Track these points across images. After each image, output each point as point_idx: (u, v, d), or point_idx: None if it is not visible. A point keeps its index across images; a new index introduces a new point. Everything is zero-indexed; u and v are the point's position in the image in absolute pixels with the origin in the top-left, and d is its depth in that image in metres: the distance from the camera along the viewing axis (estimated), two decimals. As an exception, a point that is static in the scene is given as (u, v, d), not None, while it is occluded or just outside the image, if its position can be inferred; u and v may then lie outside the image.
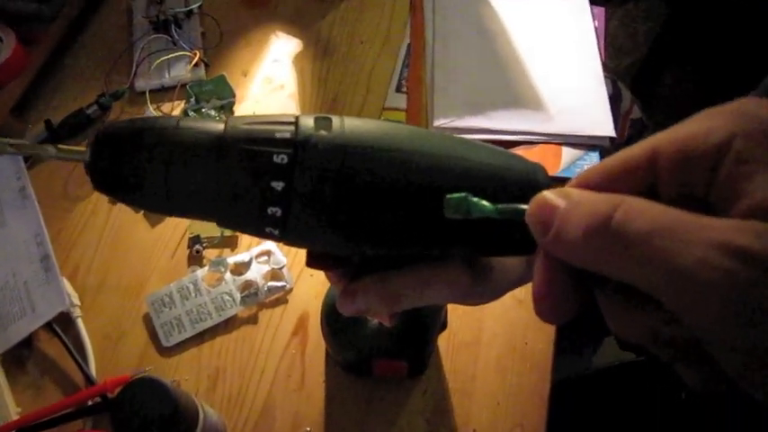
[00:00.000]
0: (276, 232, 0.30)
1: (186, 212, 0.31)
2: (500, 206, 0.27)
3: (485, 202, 0.27)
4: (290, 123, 0.30)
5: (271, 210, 0.29)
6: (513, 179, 0.32)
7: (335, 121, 0.31)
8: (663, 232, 0.17)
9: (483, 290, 0.36)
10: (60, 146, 0.30)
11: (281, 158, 0.29)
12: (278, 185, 0.29)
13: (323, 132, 0.30)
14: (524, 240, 0.33)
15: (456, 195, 0.28)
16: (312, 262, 0.34)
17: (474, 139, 0.33)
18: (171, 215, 0.31)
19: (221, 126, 0.30)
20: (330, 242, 0.31)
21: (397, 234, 0.30)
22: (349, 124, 0.31)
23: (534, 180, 0.32)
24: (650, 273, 0.17)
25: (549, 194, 0.21)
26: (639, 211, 0.18)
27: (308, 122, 0.30)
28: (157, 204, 0.30)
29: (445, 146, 0.31)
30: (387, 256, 0.35)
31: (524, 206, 0.24)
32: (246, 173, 0.29)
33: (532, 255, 0.34)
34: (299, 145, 0.29)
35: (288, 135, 0.30)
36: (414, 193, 0.30)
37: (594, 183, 0.21)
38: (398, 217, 0.30)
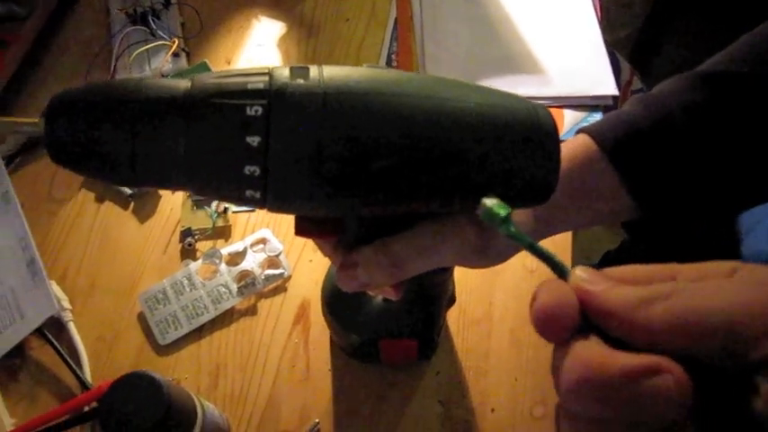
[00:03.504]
0: (257, 195, 0.27)
1: (156, 182, 0.28)
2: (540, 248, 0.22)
3: (527, 236, 0.22)
4: (263, 74, 0.27)
5: (249, 169, 0.27)
6: (512, 119, 0.29)
7: (313, 70, 0.28)
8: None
9: (490, 248, 0.33)
10: (7, 118, 0.27)
11: (255, 110, 0.26)
12: (254, 140, 0.26)
13: (300, 81, 0.27)
14: (534, 188, 0.31)
15: (496, 204, 0.23)
16: (301, 228, 0.31)
17: (468, 82, 0.30)
18: (139, 186, 0.29)
19: (188, 83, 0.28)
20: (317, 200, 0.28)
21: (388, 185, 0.27)
22: (328, 72, 0.28)
23: (536, 119, 0.29)
24: None
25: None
26: None
27: (282, 72, 0.27)
28: (124, 175, 0.27)
29: (434, 87, 0.28)
30: (383, 219, 0.32)
31: (568, 267, 0.21)
32: (219, 130, 0.26)
33: (543, 204, 0.31)
34: (273, 95, 0.26)
35: (261, 86, 0.27)
36: (402, 139, 0.27)
37: None
38: (388, 166, 0.27)
